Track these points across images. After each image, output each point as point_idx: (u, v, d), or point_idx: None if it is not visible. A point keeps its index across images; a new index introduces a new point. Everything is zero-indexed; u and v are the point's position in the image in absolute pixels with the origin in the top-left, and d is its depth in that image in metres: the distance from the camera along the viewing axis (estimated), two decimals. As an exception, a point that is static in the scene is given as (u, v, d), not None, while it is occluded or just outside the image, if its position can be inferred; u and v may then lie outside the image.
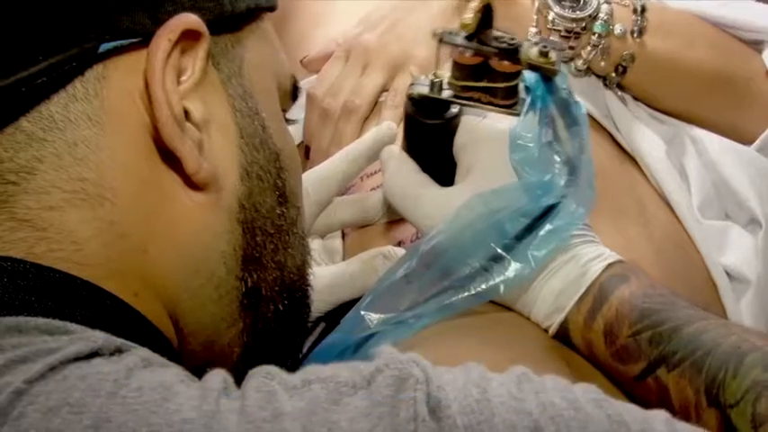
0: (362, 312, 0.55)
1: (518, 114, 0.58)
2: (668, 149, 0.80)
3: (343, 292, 0.63)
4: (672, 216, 0.76)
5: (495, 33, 0.57)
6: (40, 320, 0.38)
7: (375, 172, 0.72)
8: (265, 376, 0.37)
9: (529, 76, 0.58)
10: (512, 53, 0.57)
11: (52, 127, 0.41)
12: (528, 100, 0.58)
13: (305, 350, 0.65)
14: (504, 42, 0.57)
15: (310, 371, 0.37)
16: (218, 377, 0.37)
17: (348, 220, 0.69)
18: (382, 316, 0.55)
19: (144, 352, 0.38)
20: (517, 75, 0.58)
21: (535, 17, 0.76)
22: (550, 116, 0.57)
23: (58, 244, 0.41)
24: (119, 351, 0.37)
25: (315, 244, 0.68)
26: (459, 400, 0.35)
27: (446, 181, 0.61)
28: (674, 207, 0.76)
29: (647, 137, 0.79)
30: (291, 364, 0.53)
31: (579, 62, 0.78)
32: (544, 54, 0.56)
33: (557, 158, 0.55)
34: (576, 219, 0.55)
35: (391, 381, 0.36)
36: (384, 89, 0.79)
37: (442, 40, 0.58)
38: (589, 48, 0.76)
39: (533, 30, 0.76)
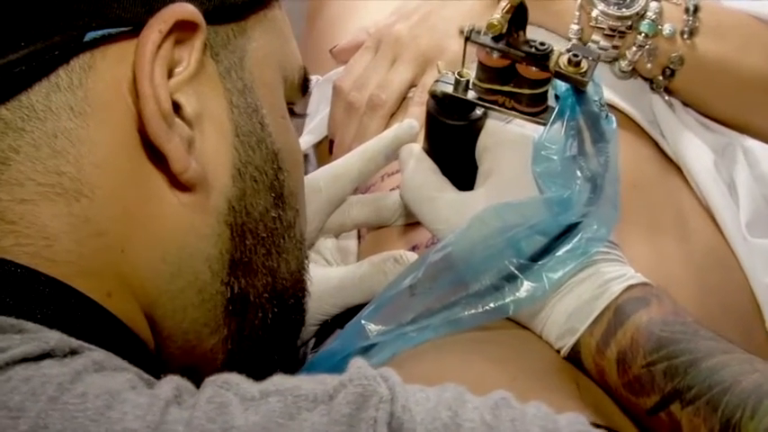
0: (363, 322, 0.55)
1: (544, 123, 0.57)
2: (717, 160, 0.78)
3: (352, 295, 0.62)
4: (716, 232, 0.75)
5: (527, 37, 0.57)
6: None
7: (396, 172, 0.72)
8: (221, 385, 0.37)
9: (560, 85, 0.58)
10: (540, 59, 0.56)
11: (32, 116, 0.41)
12: (556, 109, 0.57)
13: (308, 352, 0.67)
14: (534, 47, 0.56)
15: (273, 381, 0.37)
16: (169, 385, 0.37)
17: (362, 220, 0.68)
18: (383, 327, 0.55)
19: (99, 354, 0.38)
20: (545, 82, 0.57)
21: (578, 13, 0.75)
22: (578, 129, 0.56)
23: (28, 238, 0.41)
24: (73, 353, 0.37)
25: (328, 243, 0.68)
26: (425, 423, 0.35)
27: (465, 185, 0.60)
28: (719, 222, 0.75)
29: (695, 145, 0.77)
30: (289, 371, 0.54)
31: (623, 63, 0.76)
32: (575, 63, 0.55)
33: (579, 174, 0.54)
34: (596, 240, 0.54)
35: (353, 398, 0.35)
36: (413, 84, 0.78)
37: (469, 38, 0.57)
38: (635, 48, 0.75)
39: (575, 27, 0.75)
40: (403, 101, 0.78)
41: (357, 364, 0.38)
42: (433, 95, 0.60)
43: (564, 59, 0.55)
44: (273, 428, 0.34)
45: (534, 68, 0.56)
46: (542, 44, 0.56)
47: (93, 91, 0.42)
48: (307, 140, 0.86)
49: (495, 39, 0.56)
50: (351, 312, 0.61)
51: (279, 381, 0.37)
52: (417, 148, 0.63)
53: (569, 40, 0.76)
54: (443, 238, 0.56)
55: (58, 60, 0.42)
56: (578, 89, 0.56)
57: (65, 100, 0.42)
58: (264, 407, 0.36)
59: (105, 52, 0.43)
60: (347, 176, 0.67)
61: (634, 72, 0.77)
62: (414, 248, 0.67)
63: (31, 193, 0.41)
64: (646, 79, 0.77)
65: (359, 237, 0.73)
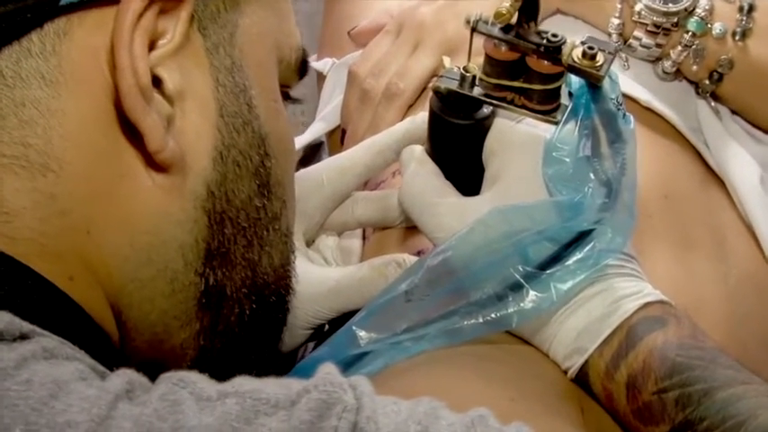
0: (354, 328, 0.55)
1: (556, 122, 0.57)
2: (764, 175, 0.78)
3: (349, 299, 0.62)
4: (757, 254, 0.74)
5: (539, 28, 0.57)
6: None
7: (407, 169, 0.73)
8: (177, 383, 0.37)
9: (574, 81, 0.57)
10: (552, 52, 0.55)
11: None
12: (569, 107, 0.57)
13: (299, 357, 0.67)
14: (546, 39, 0.56)
15: (233, 382, 0.38)
16: (121, 378, 0.37)
17: (366, 219, 0.69)
18: (375, 335, 0.55)
19: (50, 341, 0.38)
20: (557, 77, 0.57)
21: (619, 6, 0.75)
22: (592, 128, 0.56)
23: None
24: (23, 337, 0.37)
25: (329, 242, 0.68)
26: None
27: (470, 190, 0.60)
28: (762, 244, 0.74)
29: (741, 158, 0.77)
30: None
31: (667, 64, 0.76)
32: (590, 56, 0.55)
33: (592, 177, 0.54)
34: (610, 250, 0.54)
35: (315, 404, 0.36)
36: (435, 74, 0.79)
37: (475, 28, 0.57)
38: (680, 48, 0.74)
39: (615, 21, 0.75)
40: (423, 91, 0.78)
41: (326, 370, 0.38)
42: (437, 92, 0.60)
43: (578, 52, 0.55)
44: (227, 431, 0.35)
45: (546, 62, 0.56)
46: (554, 35, 0.56)
47: (67, 59, 0.43)
48: (319, 128, 0.87)
49: (504, 29, 0.56)
50: (348, 318, 0.62)
51: (239, 382, 0.38)
52: (419, 149, 0.63)
53: (609, 35, 0.76)
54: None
55: (30, 24, 0.42)
56: (593, 85, 0.56)
57: (36, 67, 0.42)
58: (221, 408, 0.36)
59: (83, 18, 0.43)
60: (352, 171, 0.67)
61: (678, 74, 0.76)
62: (419, 253, 0.67)
63: None
64: (691, 83, 0.77)
65: (363, 237, 0.74)
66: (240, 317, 0.50)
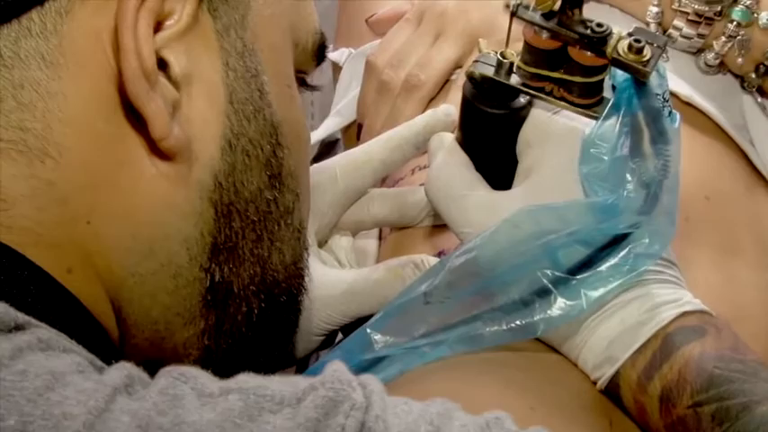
0: (368, 331, 0.56)
1: (596, 117, 0.58)
2: (816, 178, 0.79)
3: (363, 303, 0.63)
4: (806, 262, 0.75)
5: (583, 16, 0.58)
6: None
7: (428, 165, 0.74)
8: (177, 377, 0.38)
9: (619, 73, 0.58)
10: (597, 43, 0.56)
11: None
12: (611, 102, 0.58)
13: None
14: (590, 28, 0.56)
15: (237, 379, 0.39)
16: (120, 372, 0.38)
17: (383, 218, 0.70)
18: (391, 338, 0.56)
19: (46, 333, 0.39)
20: (600, 70, 0.57)
21: (659, -7, 0.76)
22: (635, 125, 0.56)
23: None
24: (18, 328, 0.39)
25: (343, 242, 0.70)
26: None
27: (502, 184, 0.61)
28: (812, 251, 0.75)
29: (790, 159, 0.78)
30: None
31: (710, 56, 0.77)
32: (637, 50, 0.55)
33: (629, 177, 0.55)
34: (647, 256, 0.55)
35: (322, 402, 0.37)
36: (457, 65, 0.80)
37: (515, 13, 0.58)
38: (724, 39, 0.75)
39: (654, 9, 0.76)
40: (445, 84, 0.80)
41: (334, 367, 0.39)
42: (471, 78, 0.61)
43: (624, 45, 0.56)
44: (229, 428, 0.36)
45: (589, 53, 0.57)
46: (600, 25, 0.56)
47: (68, 39, 0.44)
48: (334, 123, 0.88)
49: (546, 16, 0.57)
50: (362, 323, 0.63)
51: (243, 378, 0.39)
52: (449, 138, 0.64)
53: (647, 24, 0.77)
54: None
55: (31, 2, 0.43)
56: (639, 80, 0.57)
57: (36, 46, 0.44)
58: (223, 404, 0.37)
59: None
60: (368, 166, 0.68)
61: (722, 67, 0.77)
62: (440, 254, 0.68)
63: None
64: (736, 76, 0.78)
65: (380, 237, 0.75)
66: (248, 316, 0.51)
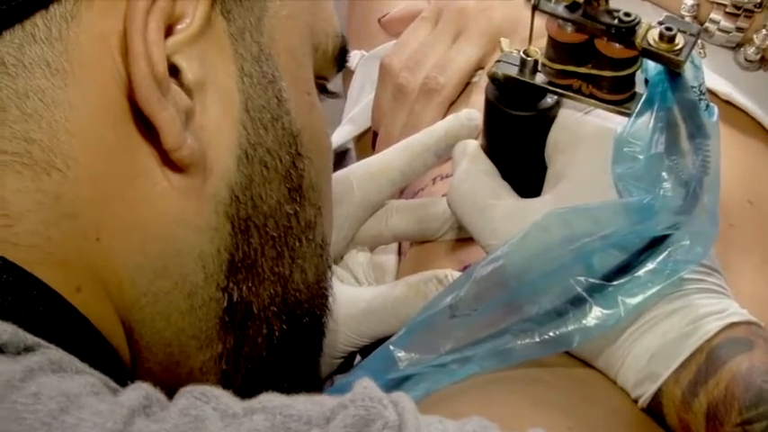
0: (391, 348, 0.57)
1: (629, 114, 0.58)
2: None
3: (382, 322, 0.64)
4: None
5: (610, 6, 0.59)
6: None
7: (450, 174, 0.75)
8: (199, 397, 0.39)
9: (651, 67, 0.59)
10: (625, 34, 0.57)
11: (0, 71, 0.44)
12: (644, 96, 0.58)
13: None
14: (617, 18, 0.57)
15: (260, 398, 0.39)
16: (137, 392, 0.39)
17: (402, 231, 0.71)
18: (416, 355, 0.56)
19: (56, 354, 0.40)
20: (630, 63, 0.58)
21: (694, -17, 0.77)
22: (670, 121, 0.57)
23: None
24: (27, 350, 0.40)
25: (360, 258, 0.71)
26: None
27: (530, 191, 0.62)
28: None
29: (837, 159, 0.79)
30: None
31: (750, 51, 0.77)
32: (668, 39, 0.56)
33: (666, 175, 0.55)
34: (688, 261, 0.55)
35: (353, 421, 0.38)
36: (479, 66, 0.81)
37: (537, 6, 0.59)
38: (765, 32, 0.76)
39: (690, 2, 0.76)
40: (466, 86, 0.81)
41: (363, 384, 0.40)
42: (494, 79, 0.62)
43: (654, 34, 0.56)
44: None
45: (617, 45, 0.57)
46: (627, 14, 0.57)
47: (74, 45, 0.45)
48: (347, 131, 0.89)
49: (570, 8, 0.58)
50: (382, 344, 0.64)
51: (267, 398, 0.40)
52: (473, 144, 0.65)
53: (682, 17, 0.78)
54: None
55: (34, 5, 0.44)
56: (673, 71, 0.57)
57: (40, 53, 0.45)
58: (248, 425, 0.38)
59: (92, 0, 0.45)
60: (386, 176, 0.69)
61: (763, 62, 0.78)
62: (464, 269, 0.68)
63: None
64: (779, 72, 0.79)
65: (399, 252, 0.76)
66: (268, 339, 0.52)
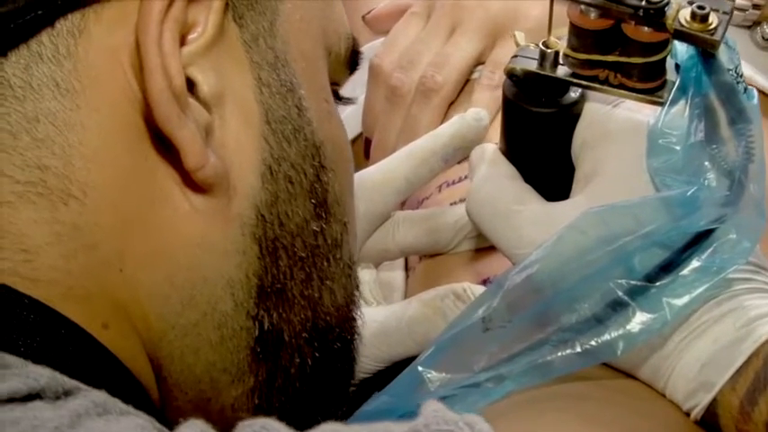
0: (420, 369, 0.56)
1: (662, 103, 0.59)
2: None
3: (398, 344, 0.65)
4: None
5: None
6: None
7: (459, 180, 0.75)
8: (259, 431, 0.39)
9: (681, 51, 0.59)
10: (654, 15, 0.57)
11: (7, 95, 0.44)
12: (677, 83, 0.59)
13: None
14: (644, 0, 0.57)
15: (323, 429, 0.40)
16: (192, 430, 0.39)
17: (411, 245, 0.71)
18: (448, 375, 0.56)
19: (99, 396, 0.40)
20: (661, 47, 0.58)
21: (707, -40, 0.78)
22: (707, 107, 0.57)
23: (1, 251, 0.44)
24: (67, 394, 0.40)
25: (366, 275, 0.71)
26: None
27: (557, 194, 0.62)
28: None
29: None
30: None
31: (767, 29, 0.79)
32: (701, 18, 0.56)
33: (708, 165, 0.56)
34: (736, 255, 0.55)
35: None
36: (479, 62, 0.82)
37: None
38: (782, 9, 0.78)
39: (702, -21, 0.79)
40: (466, 84, 0.81)
41: (433, 407, 0.41)
42: (511, 75, 0.62)
43: (686, 13, 0.56)
44: None
45: (646, 28, 0.58)
46: None
47: (84, 63, 0.45)
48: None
49: None
50: (398, 369, 0.64)
51: (331, 428, 0.40)
52: (492, 148, 0.65)
53: None
54: None
55: (40, 22, 0.44)
56: (707, 53, 0.58)
57: (49, 73, 0.45)
58: None
59: (100, 13, 0.46)
60: (390, 186, 0.70)
61: (782, 43, 0.80)
62: (484, 282, 0.69)
63: (7, 194, 0.44)
64: (798, 53, 0.81)
65: (406, 268, 0.76)
66: (301, 369, 0.52)
